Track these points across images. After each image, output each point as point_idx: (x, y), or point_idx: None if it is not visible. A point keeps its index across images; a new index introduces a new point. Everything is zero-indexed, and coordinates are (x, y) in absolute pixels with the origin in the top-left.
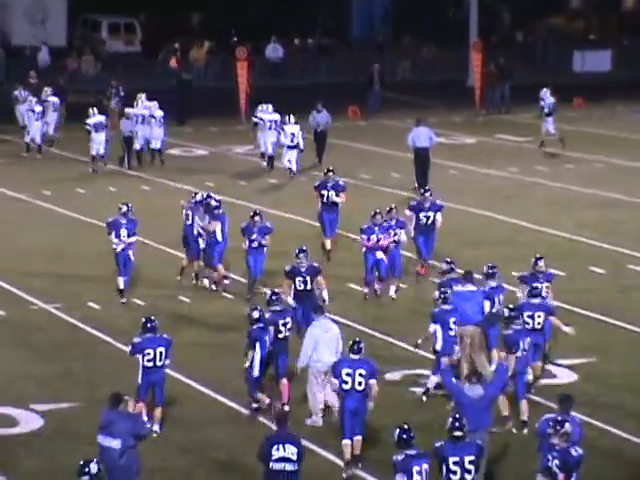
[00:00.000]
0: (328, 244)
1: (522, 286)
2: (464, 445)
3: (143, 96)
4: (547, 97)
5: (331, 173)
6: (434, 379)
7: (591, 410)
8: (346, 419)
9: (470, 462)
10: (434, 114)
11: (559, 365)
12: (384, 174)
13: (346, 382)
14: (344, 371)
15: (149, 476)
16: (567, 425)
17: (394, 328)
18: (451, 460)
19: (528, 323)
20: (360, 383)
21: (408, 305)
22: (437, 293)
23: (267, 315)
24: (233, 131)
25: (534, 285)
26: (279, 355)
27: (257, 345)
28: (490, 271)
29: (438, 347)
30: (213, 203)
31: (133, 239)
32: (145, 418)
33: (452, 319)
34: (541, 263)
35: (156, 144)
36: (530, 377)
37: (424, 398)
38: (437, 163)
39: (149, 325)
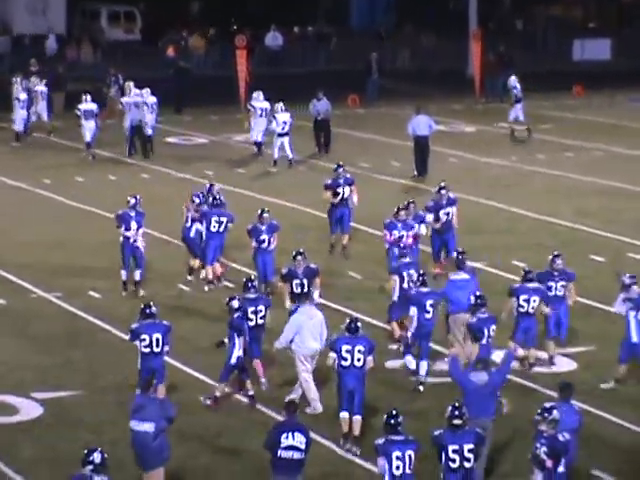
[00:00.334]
0: (345, 239)
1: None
2: (463, 433)
3: (131, 84)
4: (516, 84)
5: (341, 169)
6: (410, 359)
7: (590, 398)
8: (344, 395)
9: (469, 450)
10: (434, 102)
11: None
12: (384, 162)
13: (345, 359)
14: (344, 347)
15: None
16: (555, 412)
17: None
18: (450, 448)
19: (523, 306)
20: (359, 359)
21: None
22: (415, 276)
23: (238, 301)
24: (233, 119)
25: (527, 270)
26: (251, 342)
27: (238, 334)
28: (460, 257)
29: (413, 329)
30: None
31: (141, 231)
32: None
33: (429, 302)
34: (559, 261)
35: (147, 130)
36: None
37: (421, 388)
38: (437, 151)
39: (147, 311)
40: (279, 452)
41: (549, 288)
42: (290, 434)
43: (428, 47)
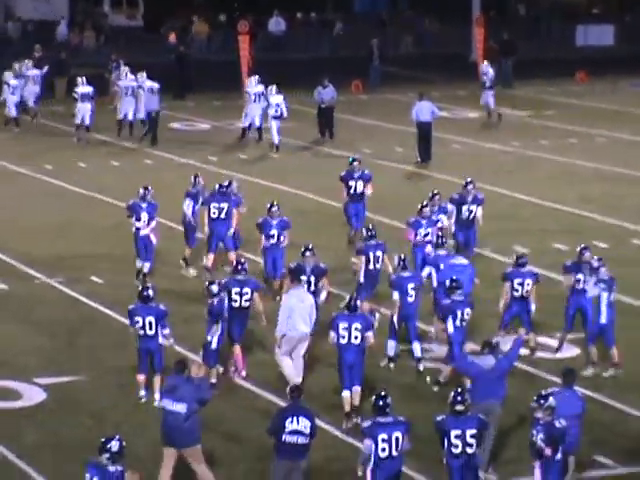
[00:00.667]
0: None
1: (565, 276)
2: (466, 419)
3: (127, 69)
4: (489, 70)
5: (356, 163)
6: (392, 344)
7: (593, 384)
8: (344, 372)
9: (472, 436)
10: (437, 88)
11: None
12: (387, 148)
13: (343, 336)
14: (341, 325)
15: (153, 450)
16: (551, 399)
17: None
18: (453, 434)
19: (517, 290)
20: (357, 337)
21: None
22: (396, 260)
23: (223, 280)
24: (235, 105)
25: (519, 254)
26: (234, 324)
27: (218, 319)
28: (440, 241)
29: (396, 312)
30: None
31: (153, 223)
32: (142, 392)
33: (410, 285)
34: (587, 254)
35: (140, 115)
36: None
37: (391, 365)
38: (440, 137)
39: (144, 294)
40: (283, 437)
41: (577, 281)
42: (295, 418)
43: (431, 33)
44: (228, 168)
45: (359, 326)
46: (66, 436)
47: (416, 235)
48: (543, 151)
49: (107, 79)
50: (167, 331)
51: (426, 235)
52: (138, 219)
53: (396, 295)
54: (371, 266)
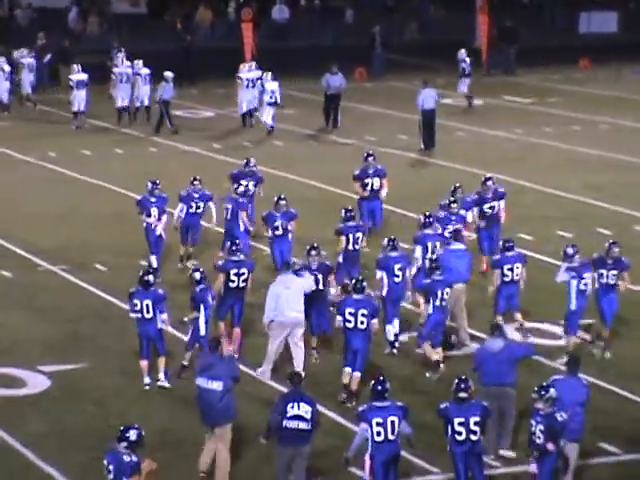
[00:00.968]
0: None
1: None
2: (469, 406)
3: (121, 55)
4: (465, 58)
5: (371, 158)
6: (390, 328)
7: (597, 371)
8: (349, 354)
9: (475, 423)
10: (441, 76)
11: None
12: (391, 136)
13: (349, 321)
14: (347, 310)
15: (157, 437)
16: (552, 390)
17: None
18: (456, 421)
19: (507, 275)
20: (362, 322)
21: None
22: (385, 241)
23: (220, 262)
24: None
25: (505, 239)
26: (234, 304)
27: (201, 306)
28: (427, 220)
29: (384, 293)
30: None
31: (164, 218)
32: (147, 379)
33: (397, 266)
34: (616, 249)
35: (143, 101)
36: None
37: (395, 351)
38: (444, 125)
39: (144, 279)
40: (284, 422)
41: (600, 275)
42: (295, 404)
43: (436, 20)
44: (232, 156)
45: (365, 312)
46: (70, 423)
47: (444, 230)
48: (546, 138)
49: (109, 67)
50: (165, 316)
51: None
52: (148, 214)
53: (379, 274)
54: (350, 247)
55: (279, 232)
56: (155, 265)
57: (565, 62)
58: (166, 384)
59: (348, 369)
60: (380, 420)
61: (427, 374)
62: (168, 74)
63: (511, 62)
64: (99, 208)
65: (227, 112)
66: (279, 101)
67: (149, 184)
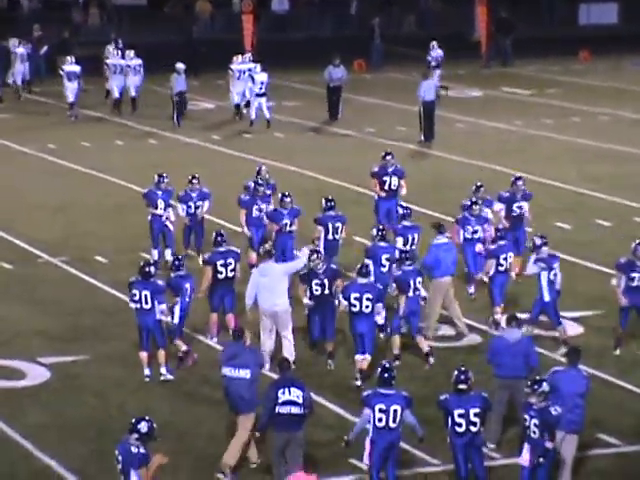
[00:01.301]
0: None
1: (618, 274)
2: (469, 398)
3: (110, 47)
4: (434, 50)
5: (389, 157)
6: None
7: (597, 362)
8: (356, 339)
9: (475, 415)
10: (440, 67)
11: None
12: (390, 127)
13: (354, 305)
14: (352, 295)
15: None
16: (544, 385)
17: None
18: (456, 413)
19: (502, 265)
20: (367, 306)
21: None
22: (375, 230)
23: (206, 255)
24: None
25: (497, 228)
26: (225, 295)
27: (177, 294)
28: (405, 212)
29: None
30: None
31: (170, 210)
32: (147, 371)
33: (385, 256)
34: None
35: (132, 92)
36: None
37: (381, 335)
38: (443, 116)
39: (144, 269)
40: (277, 408)
41: (631, 279)
42: (286, 389)
43: (434, 12)
44: (232, 147)
45: (370, 296)
46: (70, 415)
47: (464, 232)
48: (546, 130)
49: (106, 58)
50: (163, 306)
51: (475, 232)
52: (155, 207)
53: (367, 262)
54: (330, 236)
55: (285, 231)
56: (169, 258)
57: (565, 53)
58: (169, 377)
59: (359, 356)
60: (383, 407)
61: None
62: (180, 66)
63: (507, 53)
64: (99, 200)
65: (227, 104)
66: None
67: (156, 177)
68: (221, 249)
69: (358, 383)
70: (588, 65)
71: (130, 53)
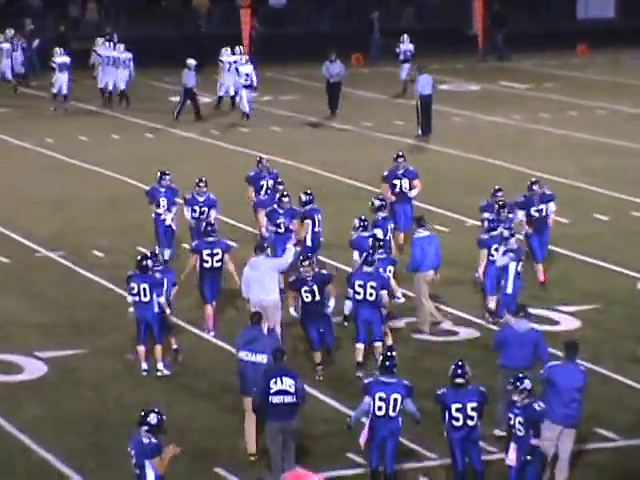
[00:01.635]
0: (401, 238)
1: None
2: (466, 392)
3: (100, 40)
4: (404, 44)
5: (401, 159)
6: (349, 304)
7: (594, 357)
8: (360, 326)
9: (473, 409)
10: (437, 61)
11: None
12: (387, 122)
13: (359, 293)
14: (357, 282)
15: None
16: (526, 382)
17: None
18: (453, 407)
19: (493, 255)
20: (371, 294)
21: None
22: (357, 221)
23: (194, 243)
24: None
25: (489, 219)
26: (211, 284)
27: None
28: (381, 203)
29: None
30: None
31: (174, 209)
32: (144, 365)
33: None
34: None
35: (120, 85)
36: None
37: (345, 324)
38: (441, 110)
39: (142, 263)
40: (270, 398)
41: None
42: (278, 379)
43: (432, 5)
44: (230, 141)
45: (374, 284)
46: (67, 409)
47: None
48: (543, 124)
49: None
50: (162, 299)
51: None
52: (158, 205)
53: (356, 255)
54: (316, 229)
55: (281, 230)
56: (167, 258)
57: (562, 47)
58: (166, 372)
59: (360, 345)
60: (383, 395)
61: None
62: (191, 61)
63: (501, 47)
64: (96, 194)
65: (225, 98)
66: (254, 83)
67: (158, 174)
68: (209, 239)
69: (360, 374)
70: (586, 59)
71: (120, 47)
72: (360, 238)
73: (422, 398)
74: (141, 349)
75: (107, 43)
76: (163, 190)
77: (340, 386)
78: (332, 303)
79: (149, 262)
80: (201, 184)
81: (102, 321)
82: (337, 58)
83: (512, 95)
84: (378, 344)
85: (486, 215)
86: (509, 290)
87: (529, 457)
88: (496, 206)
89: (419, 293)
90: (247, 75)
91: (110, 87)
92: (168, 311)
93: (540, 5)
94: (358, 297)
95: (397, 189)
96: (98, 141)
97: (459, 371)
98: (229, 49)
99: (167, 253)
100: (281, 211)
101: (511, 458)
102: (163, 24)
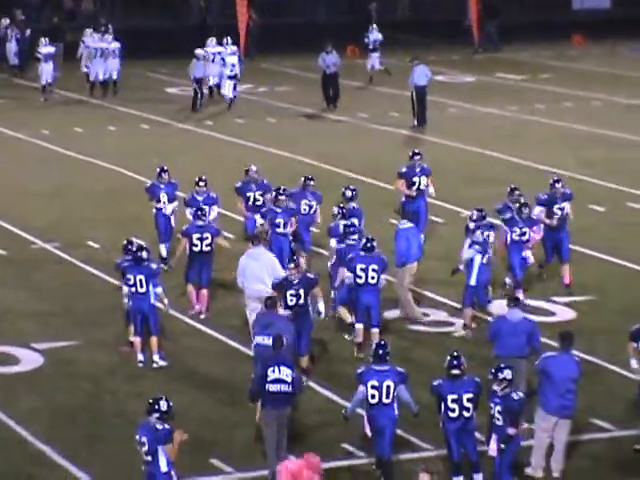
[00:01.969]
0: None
1: None
2: (462, 383)
3: (89, 31)
4: (372, 33)
5: (418, 157)
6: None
7: (589, 347)
8: (360, 310)
9: (468, 400)
10: (433, 53)
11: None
12: (383, 113)
13: (360, 277)
14: (358, 266)
15: None
16: (506, 371)
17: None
18: (449, 398)
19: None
20: (373, 277)
21: None
22: (336, 210)
23: (184, 227)
24: None
25: (477, 208)
26: (201, 268)
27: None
28: (352, 194)
29: (333, 261)
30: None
31: (175, 204)
32: (141, 356)
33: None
34: None
35: (112, 75)
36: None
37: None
38: (436, 102)
39: (137, 254)
40: (267, 386)
41: None
42: (276, 367)
43: None
44: (225, 133)
45: (376, 267)
46: (63, 400)
47: (512, 234)
48: (539, 115)
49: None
50: (159, 289)
51: (522, 235)
52: (158, 201)
53: (333, 242)
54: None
55: (279, 229)
56: (164, 255)
57: (558, 38)
58: (162, 363)
59: (360, 325)
60: (376, 383)
61: (345, 336)
62: (199, 52)
63: (493, 38)
64: (92, 185)
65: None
66: (239, 74)
67: (157, 170)
68: (199, 223)
69: (361, 355)
70: (582, 50)
71: (108, 37)
72: (338, 226)
73: (417, 389)
74: (137, 340)
75: (95, 35)
76: (163, 186)
77: (333, 376)
78: (322, 308)
79: (144, 253)
80: (201, 183)
81: (98, 313)
82: (333, 49)
83: (508, 86)
84: (375, 330)
85: (508, 215)
86: (472, 282)
87: (502, 445)
88: (516, 205)
89: (400, 285)
90: (232, 65)
91: (100, 77)
92: (165, 301)
93: None
94: (359, 281)
95: (415, 186)
96: (94, 132)
97: (455, 362)
98: (214, 40)
99: (163, 249)
100: (279, 210)
101: (492, 448)
102: (158, 15)
